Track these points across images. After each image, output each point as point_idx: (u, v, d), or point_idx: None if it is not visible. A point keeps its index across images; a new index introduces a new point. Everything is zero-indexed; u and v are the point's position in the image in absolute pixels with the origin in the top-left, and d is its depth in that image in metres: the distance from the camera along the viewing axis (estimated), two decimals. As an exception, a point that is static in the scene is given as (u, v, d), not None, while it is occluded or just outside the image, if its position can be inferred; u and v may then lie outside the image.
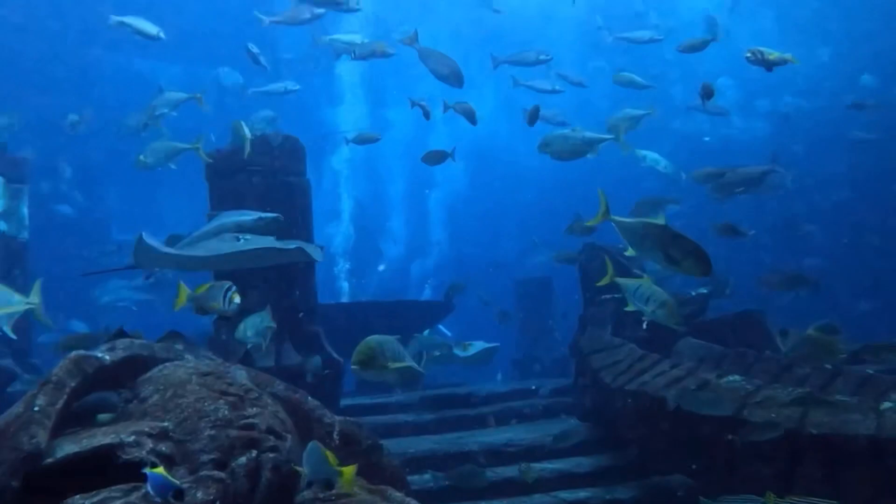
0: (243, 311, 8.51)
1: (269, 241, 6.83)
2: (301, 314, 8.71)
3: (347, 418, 5.21)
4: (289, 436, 4.17)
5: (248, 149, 8.17)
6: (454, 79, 8.82)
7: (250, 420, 3.96)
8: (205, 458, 3.53)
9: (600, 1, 18.87)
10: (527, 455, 7.91)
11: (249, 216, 7.40)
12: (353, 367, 4.98)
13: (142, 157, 8.19)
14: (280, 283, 8.67)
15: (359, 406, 9.90)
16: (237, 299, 5.11)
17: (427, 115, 9.48)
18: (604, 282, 6.12)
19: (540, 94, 12.56)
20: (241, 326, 6.54)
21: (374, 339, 5.03)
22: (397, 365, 5.01)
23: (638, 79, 11.25)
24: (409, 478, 7.50)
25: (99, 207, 20.02)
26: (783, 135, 19.10)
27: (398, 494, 4.03)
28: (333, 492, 4.09)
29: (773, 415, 5.18)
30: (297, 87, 14.15)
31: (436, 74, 8.98)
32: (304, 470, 3.71)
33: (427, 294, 18.59)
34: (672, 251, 4.56)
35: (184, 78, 21.41)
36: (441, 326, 11.36)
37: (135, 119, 10.34)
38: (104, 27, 10.84)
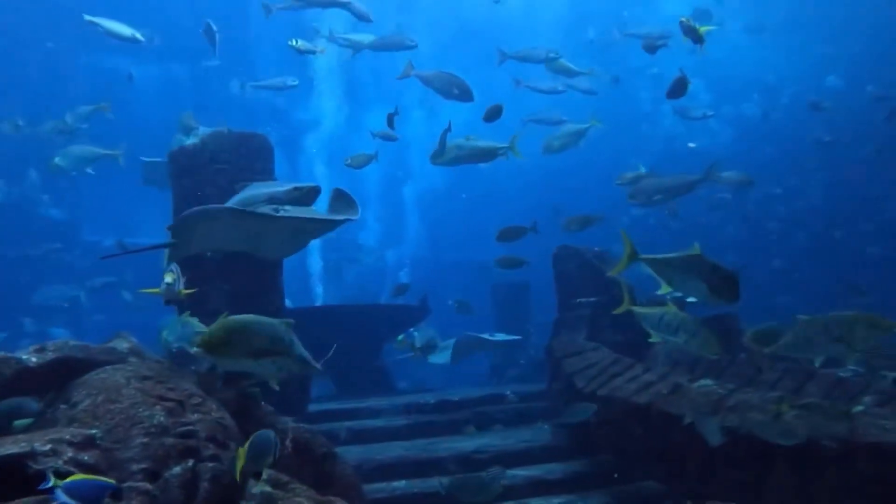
0: (213, 313, 8.35)
1: (315, 213, 5.90)
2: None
3: (302, 426, 4.97)
4: (233, 444, 3.92)
5: (196, 139, 7.87)
6: (464, 96, 8.87)
7: (189, 427, 3.72)
8: (135, 467, 3.28)
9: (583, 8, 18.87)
10: (496, 462, 7.71)
11: (282, 186, 6.48)
12: (195, 349, 4.16)
13: (57, 160, 8.01)
14: (244, 284, 8.39)
15: (329, 411, 9.66)
16: (169, 279, 4.76)
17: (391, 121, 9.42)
18: (620, 310, 5.56)
19: (542, 94, 12.46)
20: (164, 331, 5.83)
21: (238, 318, 4.16)
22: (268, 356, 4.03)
23: (572, 66, 11.11)
24: (378, 485, 7.35)
25: (70, 209, 19.59)
26: (751, 137, 19.19)
27: (345, 506, 3.80)
28: (279, 503, 3.86)
29: (744, 419, 5.01)
30: (296, 82, 14.14)
31: (444, 95, 9.02)
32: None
33: (403, 278, 18.33)
34: (714, 281, 4.51)
35: (160, 76, 21.11)
36: (414, 331, 11.14)
37: (51, 126, 10.26)
38: (78, 25, 10.65)
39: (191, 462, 3.51)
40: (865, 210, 17.95)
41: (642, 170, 9.35)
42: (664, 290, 5.01)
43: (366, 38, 10.90)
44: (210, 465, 3.61)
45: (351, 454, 7.96)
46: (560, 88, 12.56)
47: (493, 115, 8.21)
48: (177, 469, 3.44)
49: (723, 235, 17.66)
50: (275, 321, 4.28)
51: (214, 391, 4.81)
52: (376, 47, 11.21)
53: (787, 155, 18.22)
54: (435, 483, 7.24)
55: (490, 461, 7.81)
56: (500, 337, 11.25)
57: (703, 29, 6.51)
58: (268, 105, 20.17)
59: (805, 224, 18.22)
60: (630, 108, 19.15)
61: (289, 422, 4.90)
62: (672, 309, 5.09)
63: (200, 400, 4.08)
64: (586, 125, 8.23)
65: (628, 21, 15.75)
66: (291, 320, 4.41)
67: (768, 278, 16.40)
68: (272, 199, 6.06)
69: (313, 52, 9.44)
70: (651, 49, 9.03)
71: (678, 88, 7.51)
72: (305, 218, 5.56)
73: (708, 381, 5.81)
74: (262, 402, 5.01)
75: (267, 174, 9.07)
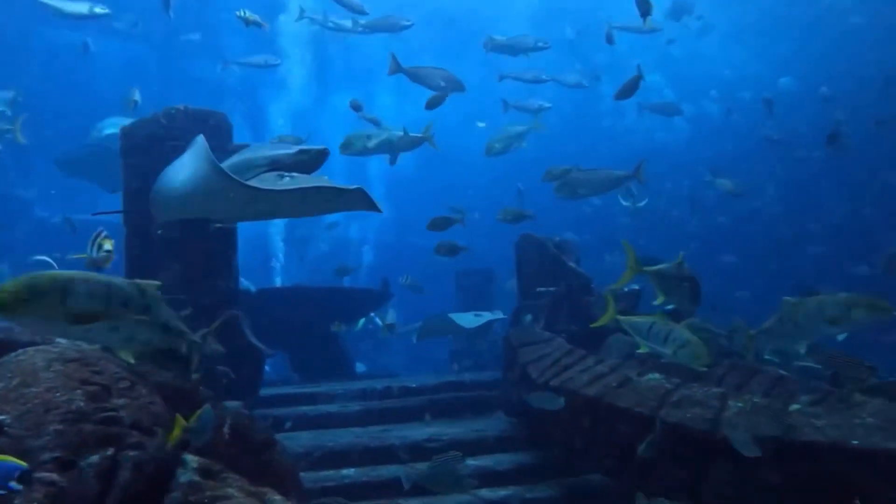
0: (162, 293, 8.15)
1: (324, 181, 5.26)
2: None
3: (242, 411, 4.84)
4: (161, 431, 3.78)
5: (132, 106, 7.66)
6: (454, 87, 8.86)
7: (112, 413, 3.57)
8: (46, 456, 3.13)
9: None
10: (448, 450, 7.66)
11: (288, 149, 5.90)
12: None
13: None
14: (196, 262, 8.20)
15: (283, 396, 9.53)
16: (108, 245, 4.49)
17: (358, 108, 9.28)
18: (603, 321, 5.45)
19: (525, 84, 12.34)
20: None
21: (52, 272, 3.48)
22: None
23: (509, 42, 11.08)
24: (327, 473, 7.26)
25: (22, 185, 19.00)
26: (709, 135, 19.34)
27: (277, 498, 3.69)
28: (207, 493, 3.74)
29: (688, 415, 5.02)
30: (278, 61, 13.97)
31: (434, 90, 8.91)
32: None
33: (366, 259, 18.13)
34: (694, 290, 4.88)
35: (124, 54, 20.51)
36: (374, 315, 11.04)
37: None
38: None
39: (111, 450, 3.37)
40: (813, 210, 18.28)
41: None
42: (660, 300, 5.03)
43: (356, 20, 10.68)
44: (132, 453, 3.47)
45: (301, 440, 7.89)
46: (544, 77, 12.47)
47: (435, 103, 8.17)
48: (94, 458, 3.29)
49: (683, 230, 17.84)
50: (114, 279, 3.78)
51: (150, 374, 4.66)
52: (372, 29, 10.99)
53: (745, 153, 18.44)
54: (386, 472, 7.20)
55: (442, 450, 7.77)
56: (475, 321, 10.83)
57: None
58: (235, 86, 19.77)
59: (758, 221, 18.47)
60: (596, 103, 19.19)
61: (228, 407, 4.75)
62: (660, 318, 4.95)
63: (129, 384, 3.92)
64: (527, 127, 8.16)
65: (604, 17, 15.76)
66: (157, 282, 4.21)
67: (722, 273, 16.67)
68: (275, 164, 5.53)
69: (260, 26, 9.21)
70: (609, 39, 9.06)
71: (629, 89, 7.55)
72: (315, 188, 4.95)
73: (655, 375, 5.81)
74: (202, 387, 4.86)
75: (226, 153, 8.86)
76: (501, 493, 6.92)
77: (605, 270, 9.67)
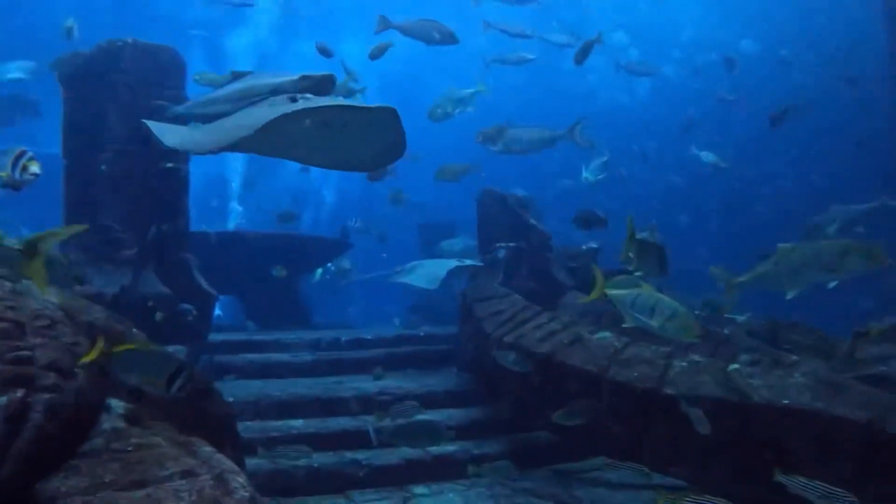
0: (104, 230, 7.77)
1: (340, 101, 4.43)
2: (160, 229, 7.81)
3: (181, 358, 4.60)
4: (82, 373, 3.55)
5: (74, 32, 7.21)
6: (448, 40, 8.50)
7: (25, 353, 3.33)
8: (-54, 396, 2.89)
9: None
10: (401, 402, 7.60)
11: (289, 76, 5.22)
12: None
13: None
14: (143, 202, 7.86)
15: (233, 342, 9.34)
16: (34, 168, 4.15)
17: (328, 53, 8.86)
18: (593, 296, 4.87)
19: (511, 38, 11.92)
20: None
21: None
22: None
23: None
24: (274, 423, 7.12)
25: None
26: (669, 97, 19.22)
27: (207, 449, 3.51)
28: (132, 440, 3.55)
29: (635, 374, 4.99)
30: (253, 3, 13.35)
31: (429, 42, 8.60)
32: None
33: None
34: (662, 258, 4.66)
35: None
36: (331, 265, 10.78)
37: None
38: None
39: (20, 392, 3.14)
40: (765, 173, 18.35)
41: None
42: (633, 267, 4.83)
43: None
44: (46, 395, 3.25)
45: (251, 388, 7.73)
46: (528, 33, 12.09)
47: (378, 53, 7.87)
48: (2, 399, 3.06)
49: (640, 190, 17.83)
50: None
51: (79, 312, 4.40)
52: None
53: (704, 115, 18.40)
54: (335, 424, 7.09)
55: (393, 403, 7.70)
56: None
57: None
58: (195, 25, 18.91)
59: (714, 183, 18.49)
60: (558, 63, 18.87)
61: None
62: (647, 289, 4.55)
63: (49, 322, 3.67)
64: (472, 91, 7.87)
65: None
66: None
67: (679, 232, 16.88)
68: (276, 91, 4.91)
69: None
70: None
71: (584, 52, 7.37)
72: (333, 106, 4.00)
73: (606, 334, 5.76)
74: (136, 329, 4.62)
75: (178, 91, 8.42)
76: (449, 448, 6.87)
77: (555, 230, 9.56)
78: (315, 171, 21.63)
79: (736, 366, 4.71)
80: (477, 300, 8.00)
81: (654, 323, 4.39)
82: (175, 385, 3.67)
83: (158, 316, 7.16)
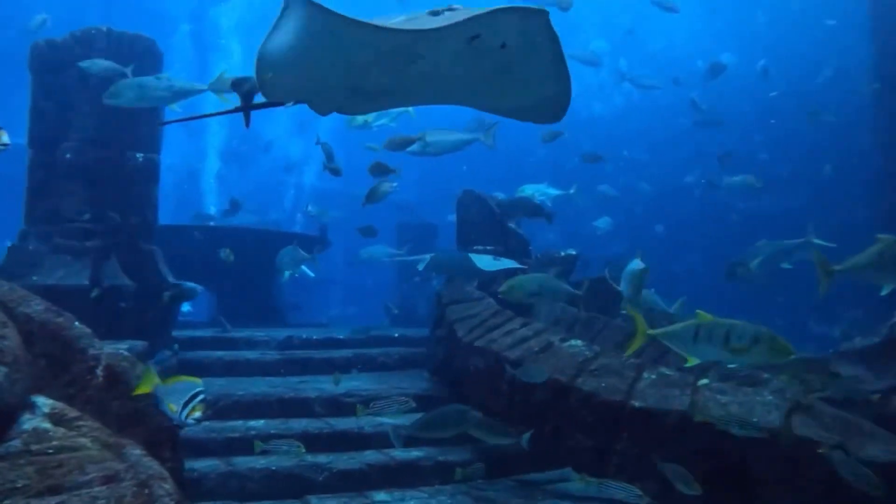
0: (69, 221, 7.50)
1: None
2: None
3: (122, 353, 4.39)
4: (2, 369, 3.33)
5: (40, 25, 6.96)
6: None
7: (-62, 345, 3.09)
8: None
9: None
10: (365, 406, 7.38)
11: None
12: None
13: None
14: (109, 193, 7.62)
15: (199, 339, 9.09)
16: (4, 138, 3.90)
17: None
18: (636, 344, 4.26)
19: None
20: None
21: None
22: None
23: None
24: (233, 423, 6.88)
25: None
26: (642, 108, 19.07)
27: (136, 452, 3.30)
28: (53, 443, 3.32)
29: (603, 384, 4.81)
30: None
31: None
32: None
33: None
34: None
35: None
36: (304, 267, 10.53)
37: None
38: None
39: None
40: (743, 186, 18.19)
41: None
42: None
43: None
44: (-40, 391, 3.02)
45: (213, 387, 7.46)
46: None
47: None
48: None
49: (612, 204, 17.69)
50: None
51: (15, 303, 4.17)
52: None
53: (680, 129, 18.31)
54: (297, 425, 6.86)
55: (360, 405, 7.47)
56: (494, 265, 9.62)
57: None
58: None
59: (687, 196, 18.32)
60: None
61: (104, 347, 4.30)
62: (705, 316, 3.92)
63: (-26, 314, 3.44)
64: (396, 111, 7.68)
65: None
66: None
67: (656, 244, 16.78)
68: None
69: None
70: None
71: None
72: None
73: (577, 343, 5.58)
74: (77, 322, 4.38)
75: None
76: (415, 453, 6.68)
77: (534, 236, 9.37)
78: (292, 176, 21.44)
79: (706, 381, 4.54)
80: (450, 302, 7.80)
81: (734, 353, 3.77)
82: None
83: (166, 296, 7.03)
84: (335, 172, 7.47)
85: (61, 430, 3.42)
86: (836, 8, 16.41)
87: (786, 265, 6.08)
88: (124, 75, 6.45)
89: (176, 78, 6.12)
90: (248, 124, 4.19)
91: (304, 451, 5.92)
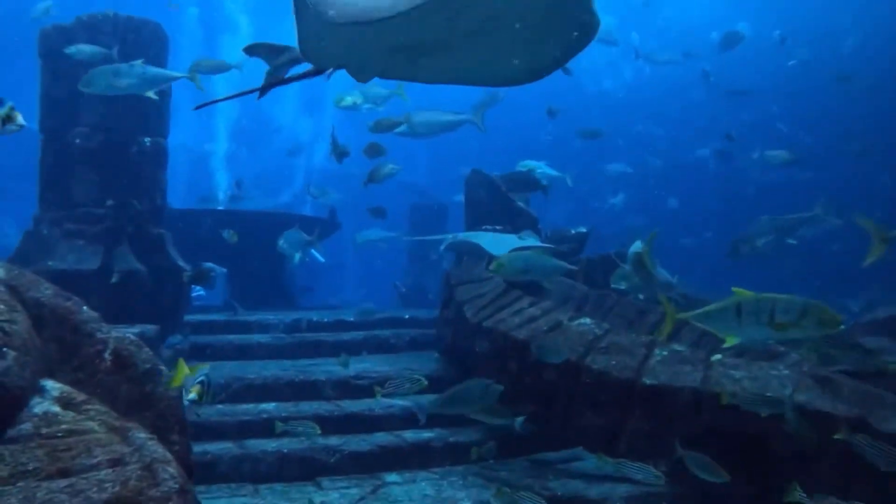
0: (77, 206, 7.51)
1: None
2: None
3: (129, 336, 4.39)
4: (11, 353, 3.33)
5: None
6: None
7: (-56, 329, 3.10)
8: None
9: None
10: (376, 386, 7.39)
11: None
12: None
13: None
14: (119, 178, 7.62)
15: (211, 323, 9.14)
16: (20, 119, 3.84)
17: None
18: (667, 329, 4.20)
19: None
20: None
21: None
22: None
23: None
24: (244, 406, 6.91)
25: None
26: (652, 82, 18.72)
27: (141, 436, 3.30)
28: (62, 426, 3.33)
29: (613, 362, 4.76)
30: None
31: None
32: None
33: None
34: None
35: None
36: (314, 252, 10.52)
37: None
38: None
39: (-64, 371, 2.92)
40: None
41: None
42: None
43: None
44: (-34, 376, 3.02)
45: (224, 370, 7.51)
46: None
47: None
48: (-88, 379, 2.85)
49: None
50: None
51: (24, 288, 4.18)
52: None
53: (691, 102, 17.96)
54: (308, 408, 6.87)
55: (370, 388, 7.48)
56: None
57: None
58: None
59: (700, 169, 18.00)
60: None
61: (111, 331, 4.31)
62: (744, 293, 3.70)
63: (-18, 299, 3.44)
64: (389, 93, 7.57)
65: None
66: None
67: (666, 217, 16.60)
68: None
69: None
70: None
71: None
72: None
73: (587, 321, 5.53)
74: (85, 307, 4.39)
75: (159, 65, 8.15)
76: (426, 434, 6.68)
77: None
78: (301, 158, 21.36)
79: (719, 356, 4.47)
80: (459, 283, 7.76)
81: (780, 329, 3.57)
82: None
83: (186, 276, 7.08)
84: (341, 156, 7.43)
85: (70, 414, 3.44)
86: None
87: (791, 241, 5.95)
88: (110, 59, 6.41)
89: (150, 66, 6.08)
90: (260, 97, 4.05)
91: (318, 431, 6.00)
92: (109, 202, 7.50)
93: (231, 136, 17.24)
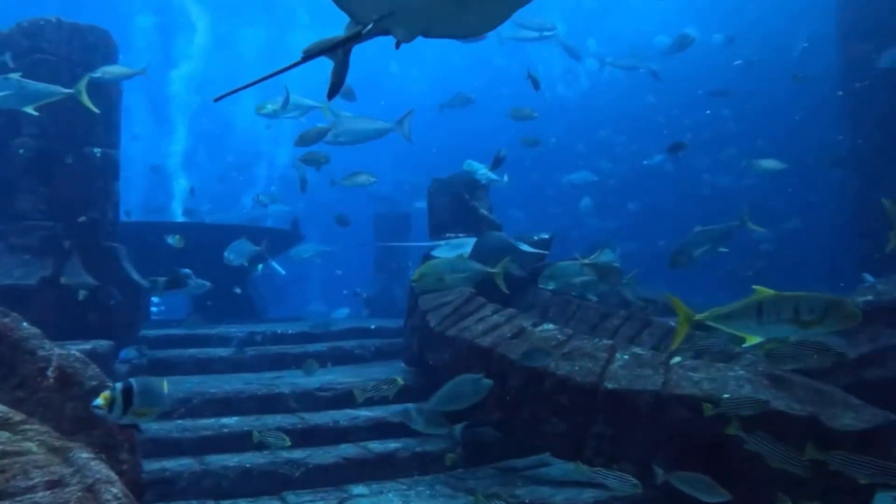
0: (21, 218, 7.24)
1: None
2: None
3: (74, 353, 4.21)
4: (-57, 372, 3.15)
5: None
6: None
7: None
8: None
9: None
10: (341, 401, 7.26)
11: None
12: None
13: None
14: (66, 189, 7.38)
15: (171, 337, 8.90)
16: None
17: None
18: (680, 335, 3.98)
19: None
20: None
21: None
22: None
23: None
24: (205, 421, 6.71)
25: None
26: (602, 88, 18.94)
27: (84, 456, 3.14)
28: (-1, 447, 3.15)
29: (576, 367, 4.72)
30: None
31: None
32: None
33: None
34: None
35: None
36: (274, 263, 10.34)
37: None
38: None
39: None
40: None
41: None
42: None
43: None
44: None
45: (184, 385, 7.30)
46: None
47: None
48: None
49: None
50: None
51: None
52: None
53: (644, 108, 18.24)
54: (272, 421, 6.70)
55: (335, 399, 7.35)
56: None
57: None
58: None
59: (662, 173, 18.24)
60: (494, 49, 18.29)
61: (54, 348, 4.13)
62: (765, 291, 3.64)
63: None
64: (315, 104, 7.57)
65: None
66: None
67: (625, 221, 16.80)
68: None
69: None
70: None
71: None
72: None
73: (550, 326, 5.48)
74: (25, 323, 4.20)
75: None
76: (392, 445, 6.59)
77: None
78: (261, 165, 21.06)
79: (678, 359, 4.47)
80: (423, 291, 7.66)
81: (804, 327, 3.53)
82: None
83: (161, 283, 6.81)
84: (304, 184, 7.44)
85: (6, 435, 3.26)
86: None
87: (722, 249, 6.11)
88: (7, 69, 6.22)
89: (29, 81, 5.90)
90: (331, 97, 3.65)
91: (288, 443, 5.88)
92: (36, 214, 7.25)
93: (191, 138, 16.99)
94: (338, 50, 3.41)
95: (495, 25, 3.29)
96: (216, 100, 4.80)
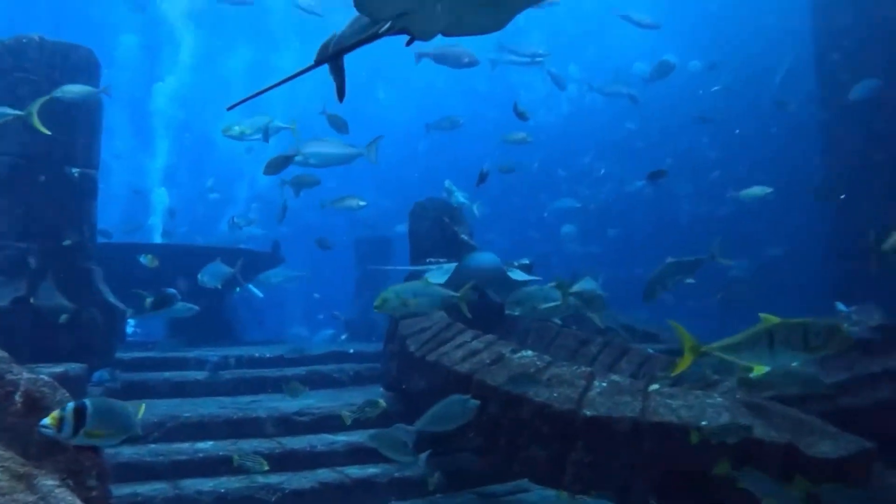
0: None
1: None
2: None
3: (42, 378, 4.11)
4: None
5: None
6: (472, 64, 9.30)
7: None
8: None
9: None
10: (319, 425, 7.18)
11: None
12: None
13: None
14: (42, 210, 7.29)
15: (147, 360, 8.77)
16: None
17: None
18: (684, 362, 3.85)
19: None
20: None
21: None
22: None
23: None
24: (179, 446, 6.59)
25: None
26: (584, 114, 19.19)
27: (49, 483, 3.07)
28: (-39, 474, 3.06)
29: (555, 394, 4.71)
30: None
31: (453, 66, 9.28)
32: None
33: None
34: None
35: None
36: (251, 286, 10.25)
37: None
38: None
39: None
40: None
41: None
42: None
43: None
44: None
45: (159, 409, 7.18)
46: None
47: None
48: None
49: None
50: None
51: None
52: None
53: (624, 136, 18.46)
54: (248, 446, 6.59)
55: (312, 424, 7.26)
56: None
57: None
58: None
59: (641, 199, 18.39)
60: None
61: (22, 372, 4.03)
62: (772, 319, 3.60)
63: None
64: (282, 126, 7.67)
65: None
66: None
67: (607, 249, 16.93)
68: None
69: None
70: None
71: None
72: None
73: (528, 353, 5.48)
74: (-1, 349, 4.10)
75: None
76: (370, 470, 6.54)
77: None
78: (241, 186, 20.98)
79: (656, 386, 4.48)
80: (402, 316, 7.63)
81: (812, 352, 3.50)
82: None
83: (148, 303, 6.71)
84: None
85: (-32, 462, 3.17)
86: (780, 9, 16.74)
87: (690, 280, 6.21)
88: None
89: None
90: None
91: (266, 467, 5.87)
92: (11, 235, 7.15)
93: (168, 165, 16.90)
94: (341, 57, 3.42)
95: (510, 20, 3.29)
96: (230, 108, 4.68)
